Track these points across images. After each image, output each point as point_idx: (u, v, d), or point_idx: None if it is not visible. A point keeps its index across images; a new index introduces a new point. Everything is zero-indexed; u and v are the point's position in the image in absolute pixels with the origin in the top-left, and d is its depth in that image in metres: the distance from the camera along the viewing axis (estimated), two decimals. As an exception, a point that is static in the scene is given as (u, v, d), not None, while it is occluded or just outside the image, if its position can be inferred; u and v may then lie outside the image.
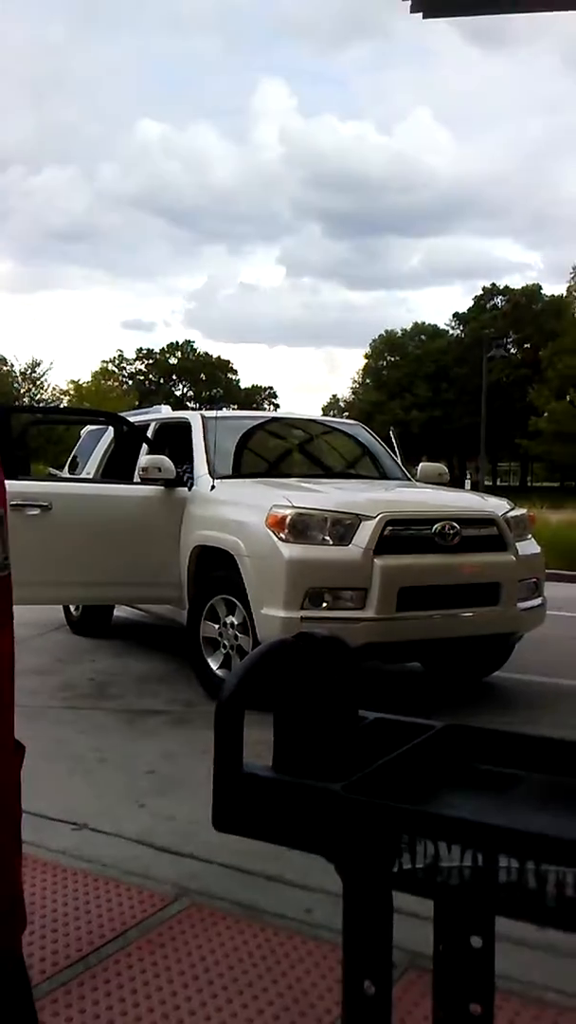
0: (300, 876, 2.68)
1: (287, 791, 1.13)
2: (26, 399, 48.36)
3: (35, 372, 51.72)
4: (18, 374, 52.08)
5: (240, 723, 1.18)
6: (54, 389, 53.39)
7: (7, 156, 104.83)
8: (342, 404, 66.22)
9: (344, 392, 68.73)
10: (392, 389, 57.50)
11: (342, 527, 4.64)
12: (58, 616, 7.46)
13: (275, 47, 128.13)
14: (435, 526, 4.74)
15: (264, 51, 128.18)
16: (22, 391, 50.18)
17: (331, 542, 4.62)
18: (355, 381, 65.54)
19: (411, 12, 6.02)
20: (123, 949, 2.38)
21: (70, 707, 4.94)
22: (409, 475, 6.64)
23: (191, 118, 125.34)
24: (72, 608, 7.30)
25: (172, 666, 5.94)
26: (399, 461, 6.78)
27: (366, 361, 63.87)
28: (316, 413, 49.62)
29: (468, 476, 54.97)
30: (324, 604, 4.53)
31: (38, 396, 50.71)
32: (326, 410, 64.12)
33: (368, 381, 62.49)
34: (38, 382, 51.79)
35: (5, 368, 52.64)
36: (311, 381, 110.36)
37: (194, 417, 6.29)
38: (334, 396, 71.14)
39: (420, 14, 6.10)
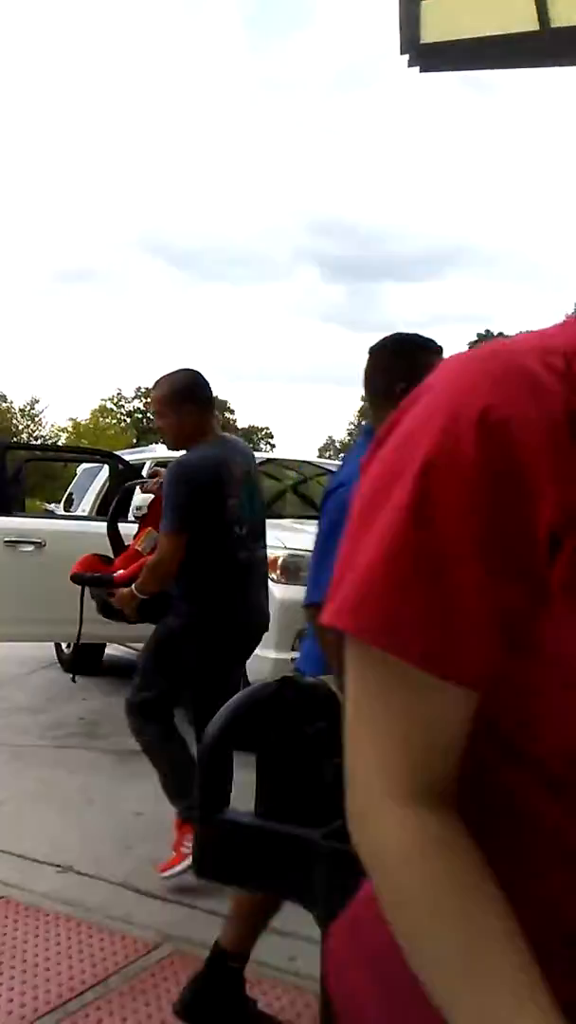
0: (284, 923, 2.64)
1: (267, 838, 1.13)
2: (24, 436, 48.50)
3: (34, 409, 52.00)
4: (17, 411, 52.36)
5: (223, 767, 1.19)
6: (52, 426, 53.67)
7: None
8: (338, 445, 66.49)
9: (340, 433, 69.04)
10: (389, 431, 57.82)
11: (334, 569, 4.65)
12: (49, 654, 7.42)
13: (273, 97, 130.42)
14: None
15: (262, 101, 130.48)
16: (21, 428, 50.37)
17: (323, 584, 4.63)
18: (351, 423, 65.93)
19: (408, 66, 6.17)
20: (103, 996, 2.35)
21: (59, 746, 4.91)
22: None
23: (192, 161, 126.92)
24: (64, 646, 7.26)
25: (162, 706, 5.90)
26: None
27: (362, 403, 64.45)
28: (312, 454, 49.82)
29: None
30: (315, 646, 4.52)
31: (36, 433, 50.90)
32: (322, 451, 64.37)
33: (364, 422, 63.00)
34: (37, 419, 52.07)
35: (4, 405, 52.94)
36: (307, 422, 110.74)
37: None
38: (329, 437, 71.47)
39: (418, 68, 6.25)
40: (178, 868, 3.04)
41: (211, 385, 3.29)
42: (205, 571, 3.18)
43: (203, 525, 3.13)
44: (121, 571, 3.47)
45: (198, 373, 3.30)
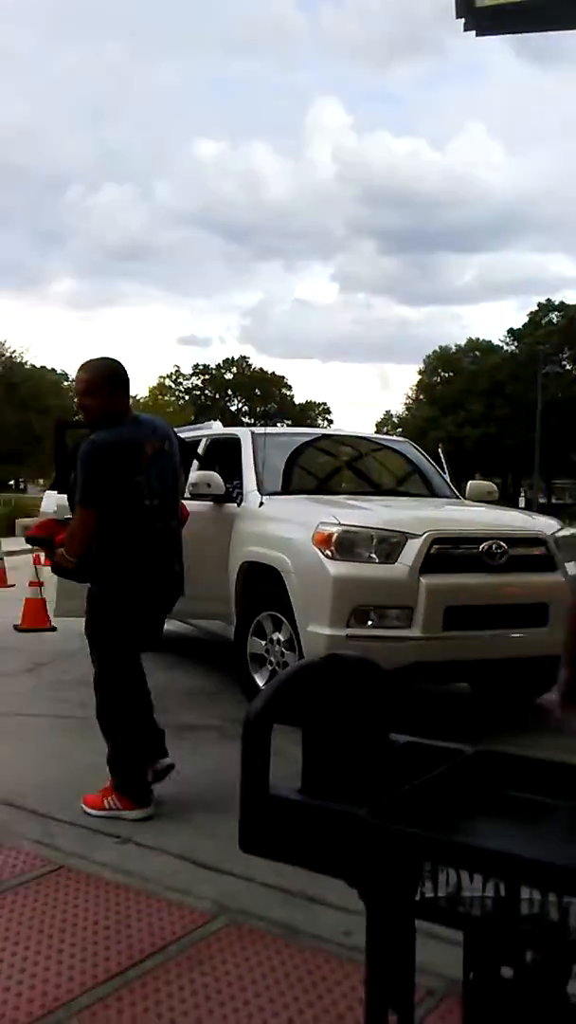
0: (340, 898, 2.65)
1: (312, 814, 1.13)
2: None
3: (93, 387, 52.52)
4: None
5: (267, 743, 1.19)
6: (112, 404, 54.12)
7: (66, 176, 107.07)
8: (395, 420, 65.95)
9: (397, 408, 68.48)
10: (445, 405, 57.06)
11: (388, 545, 4.62)
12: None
13: (328, 66, 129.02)
14: (482, 545, 4.70)
15: (317, 70, 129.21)
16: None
17: (377, 560, 4.61)
18: (408, 397, 65.27)
19: (464, 30, 6.03)
20: (162, 965, 2.39)
21: (118, 720, 4.98)
22: (458, 493, 6.59)
23: (246, 137, 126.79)
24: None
25: (219, 681, 5.97)
26: (447, 479, 6.73)
27: (419, 377, 63.56)
28: (369, 429, 49.48)
29: (523, 494, 54.27)
30: (370, 622, 4.51)
31: (96, 411, 51.44)
32: (379, 426, 63.86)
33: (421, 397, 62.16)
34: (96, 397, 52.58)
35: (65, 384, 53.57)
36: (364, 397, 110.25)
37: (244, 433, 6.33)
38: (387, 412, 70.89)
39: (474, 32, 6.10)
40: (98, 813, 3.49)
41: (129, 374, 3.70)
42: (115, 540, 3.52)
43: (111, 498, 3.47)
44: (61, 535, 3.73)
45: (119, 363, 3.73)
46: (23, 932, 2.56)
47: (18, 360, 44.15)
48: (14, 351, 44.03)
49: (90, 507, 3.48)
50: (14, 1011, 2.17)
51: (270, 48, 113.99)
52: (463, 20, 6.01)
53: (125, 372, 3.68)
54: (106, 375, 3.62)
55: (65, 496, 5.57)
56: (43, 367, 51.77)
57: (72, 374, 54.93)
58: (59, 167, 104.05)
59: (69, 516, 3.78)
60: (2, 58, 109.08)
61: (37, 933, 2.55)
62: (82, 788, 3.81)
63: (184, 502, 5.72)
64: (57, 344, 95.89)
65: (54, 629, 7.58)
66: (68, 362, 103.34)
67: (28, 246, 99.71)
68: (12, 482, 49.24)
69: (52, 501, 6.16)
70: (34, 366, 47.75)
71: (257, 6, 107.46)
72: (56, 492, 5.77)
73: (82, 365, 3.66)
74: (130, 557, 3.55)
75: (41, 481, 44.26)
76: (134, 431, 3.58)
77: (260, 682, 5.15)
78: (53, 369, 54.60)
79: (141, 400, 58.80)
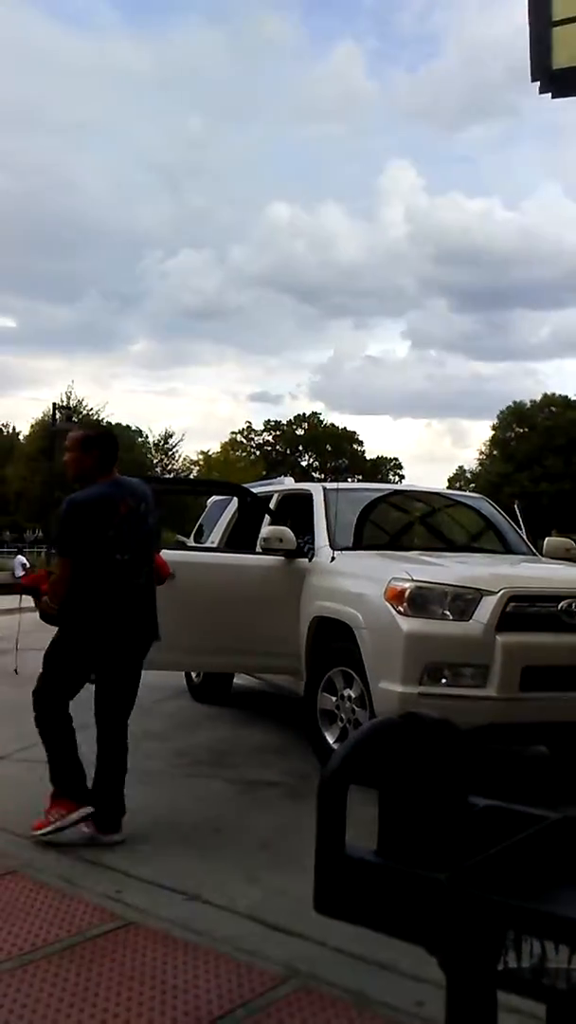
0: (414, 966, 2.57)
1: (390, 877, 1.11)
2: (158, 469, 50.03)
3: (167, 443, 53.57)
4: (151, 445, 54.05)
5: (343, 803, 1.17)
6: (184, 459, 55.11)
7: (146, 241, 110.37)
8: (468, 475, 65.45)
9: (471, 463, 67.94)
10: (520, 461, 56.50)
11: (463, 602, 4.56)
12: (179, 682, 7.56)
13: (401, 130, 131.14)
14: (561, 603, 4.59)
15: (390, 134, 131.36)
16: (155, 461, 51.96)
17: (451, 617, 4.54)
18: (482, 452, 64.75)
19: (540, 92, 6.10)
20: (230, 1029, 2.34)
21: (187, 774, 4.97)
22: (535, 550, 6.48)
23: (319, 200, 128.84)
24: (193, 675, 7.39)
25: (288, 737, 5.91)
26: (524, 535, 6.63)
27: (493, 432, 63.18)
28: (442, 484, 49.20)
29: (601, 551, 52.93)
30: (443, 680, 4.43)
31: (169, 466, 52.38)
32: (452, 481, 63.45)
33: (495, 452, 61.68)
34: (170, 453, 53.58)
35: (140, 440, 54.75)
36: (436, 452, 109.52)
37: (316, 489, 6.36)
38: (460, 467, 70.45)
39: (549, 94, 6.18)
40: (47, 830, 3.72)
41: (117, 444, 4.11)
42: (85, 588, 3.81)
43: (85, 551, 3.78)
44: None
45: (101, 431, 4.36)
46: (91, 988, 2.54)
47: (95, 417, 45.34)
48: (91, 408, 45.27)
49: (67, 558, 3.83)
50: (81, 1070, 2.15)
51: (343, 114, 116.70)
52: (538, 83, 6.10)
53: (103, 439, 4.03)
54: (80, 439, 4.01)
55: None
56: (118, 424, 53.11)
57: (146, 430, 56.31)
58: (139, 232, 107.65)
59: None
60: (88, 128, 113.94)
61: (105, 990, 2.53)
62: (153, 840, 3.80)
63: (243, 557, 5.77)
64: (132, 402, 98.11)
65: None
66: (143, 419, 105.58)
67: (107, 308, 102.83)
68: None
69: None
70: (110, 423, 49.03)
71: (329, 75, 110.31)
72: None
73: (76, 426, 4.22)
74: (96, 605, 3.83)
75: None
76: (109, 490, 3.87)
77: (330, 739, 5.08)
78: (128, 426, 55.90)
79: (213, 455, 59.65)
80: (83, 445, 3.96)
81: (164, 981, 2.59)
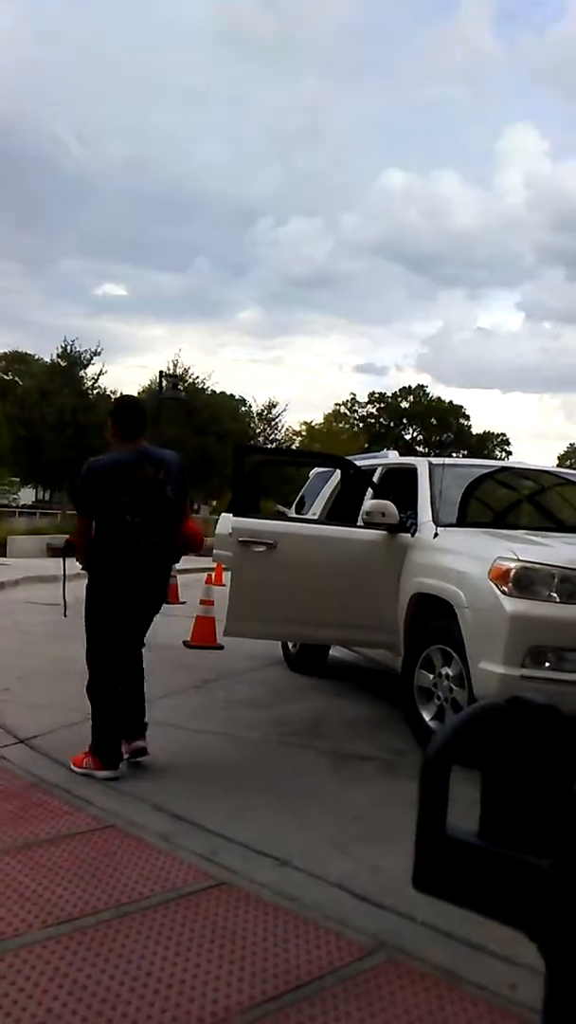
0: (506, 947, 2.55)
1: (491, 861, 1.09)
2: (261, 439, 50.39)
3: (271, 413, 53.81)
4: (255, 415, 54.42)
5: (446, 783, 1.16)
6: (287, 429, 55.24)
7: (258, 208, 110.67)
8: (579, 453, 63.62)
9: (582, 441, 65.95)
10: None
11: (571, 584, 4.44)
12: (276, 652, 7.65)
13: (524, 93, 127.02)
14: None
15: (513, 97, 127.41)
16: (258, 431, 52.33)
17: (558, 599, 4.44)
18: (593, 430, 62.82)
19: None
20: (319, 994, 2.38)
21: (283, 743, 5.04)
22: None
23: (436, 166, 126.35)
24: (290, 645, 7.46)
25: (384, 712, 5.92)
26: None
27: (606, 410, 61.13)
28: (552, 462, 47.94)
29: None
30: (547, 664, 4.34)
31: (272, 436, 52.67)
32: (563, 459, 61.78)
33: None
34: (273, 422, 53.82)
35: (243, 409, 55.17)
36: (547, 428, 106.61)
37: (421, 463, 6.29)
38: (572, 445, 68.48)
39: None
40: (79, 770, 4.18)
41: (144, 412, 4.48)
42: (100, 545, 4.21)
43: (98, 511, 4.19)
44: None
45: (129, 401, 4.97)
46: (183, 943, 2.61)
47: (201, 386, 45.87)
48: (197, 377, 45.80)
49: (83, 516, 4.31)
50: (172, 1022, 2.21)
51: (466, 76, 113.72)
52: None
53: (119, 410, 4.44)
54: (112, 409, 4.53)
55: (244, 519, 5.73)
56: (223, 393, 53.61)
57: (250, 399, 56.68)
58: (251, 199, 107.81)
59: None
60: (206, 94, 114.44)
61: (197, 947, 2.59)
62: (248, 805, 3.87)
63: (345, 530, 5.77)
64: (237, 370, 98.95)
65: (221, 647, 7.77)
66: (247, 388, 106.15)
67: (216, 276, 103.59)
68: (189, 503, 51.02)
69: (228, 523, 6.32)
70: (215, 392, 49.48)
71: (452, 35, 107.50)
72: (232, 515, 5.93)
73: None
74: (109, 561, 4.21)
75: (214, 503, 45.61)
76: (128, 457, 4.22)
77: (426, 716, 5.06)
78: (232, 395, 56.41)
79: (316, 426, 59.64)
80: (110, 415, 4.46)
81: (255, 942, 2.64)
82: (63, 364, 40.82)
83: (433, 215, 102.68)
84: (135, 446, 4.27)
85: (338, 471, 7.03)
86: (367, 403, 79.16)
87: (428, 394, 79.64)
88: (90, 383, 40.66)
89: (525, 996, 2.33)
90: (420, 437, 77.59)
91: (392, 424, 78.41)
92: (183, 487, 4.40)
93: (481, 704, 1.24)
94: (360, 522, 6.00)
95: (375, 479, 6.54)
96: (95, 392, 40.45)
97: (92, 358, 40.40)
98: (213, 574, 11.12)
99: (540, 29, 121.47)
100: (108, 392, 39.74)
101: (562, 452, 67.92)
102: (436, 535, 5.42)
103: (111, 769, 4.17)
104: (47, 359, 44.01)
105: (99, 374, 40.44)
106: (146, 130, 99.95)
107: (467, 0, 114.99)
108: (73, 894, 2.88)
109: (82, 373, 40.90)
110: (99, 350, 38.62)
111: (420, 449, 71.46)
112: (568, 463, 55.10)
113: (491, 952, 2.60)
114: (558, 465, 36.90)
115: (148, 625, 4.47)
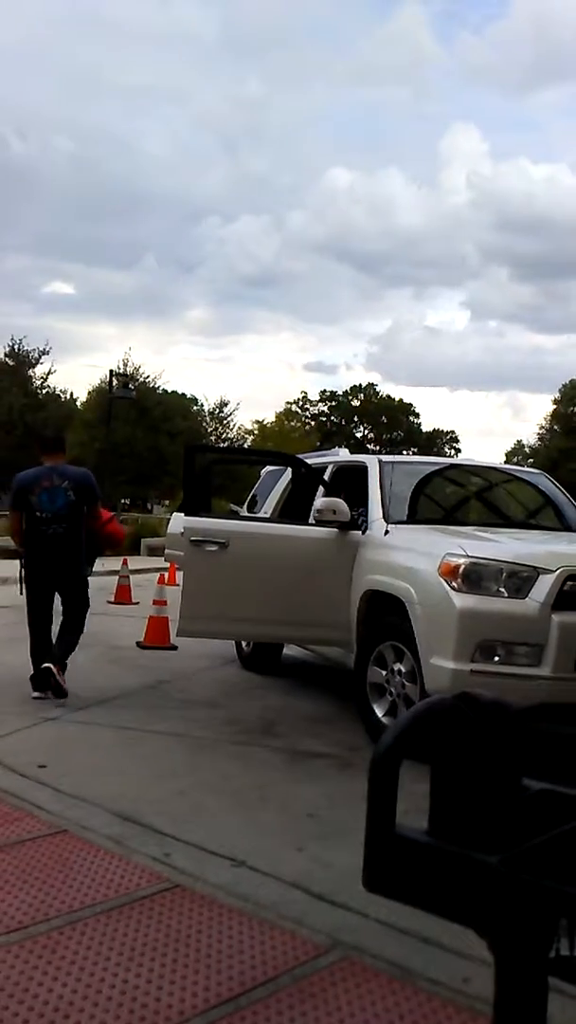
0: (458, 942, 2.57)
1: (440, 858, 1.09)
2: (213, 438, 50.19)
3: (222, 412, 53.65)
4: (207, 414, 54.21)
5: (395, 781, 1.16)
6: (239, 428, 55.13)
7: (204, 207, 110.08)
8: (527, 450, 64.39)
9: (530, 438, 66.73)
10: (581, 436, 55.27)
11: (519, 579, 4.49)
12: (229, 651, 7.62)
13: (466, 93, 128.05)
14: (620, 583, 4.50)
15: (454, 98, 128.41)
16: (210, 430, 52.13)
17: (506, 594, 4.49)
18: (542, 427, 63.57)
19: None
20: (273, 995, 2.37)
21: (236, 742, 5.02)
22: (593, 528, 6.36)
23: (380, 165, 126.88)
24: (243, 644, 7.44)
25: (337, 709, 5.93)
26: (584, 513, 6.51)
27: (555, 406, 61.94)
28: (499, 459, 48.48)
29: None
30: (496, 658, 4.39)
31: (224, 435, 52.50)
32: (510, 456, 62.43)
33: (556, 427, 60.50)
34: (225, 421, 53.67)
35: (195, 408, 54.93)
36: (494, 426, 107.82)
37: (371, 461, 6.31)
38: (519, 442, 69.26)
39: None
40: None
41: (59, 439, 6.44)
42: (25, 534, 5.91)
43: (21, 508, 5.87)
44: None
45: (53, 433, 7.40)
46: (138, 948, 2.58)
47: (152, 385, 45.55)
48: (148, 376, 45.46)
49: (14, 511, 5.94)
50: (127, 1027, 2.19)
51: (406, 77, 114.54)
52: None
53: (45, 438, 6.35)
54: (36, 437, 6.65)
55: (196, 518, 5.70)
56: (174, 392, 53.28)
57: (201, 398, 56.47)
58: (197, 197, 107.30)
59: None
60: (150, 93, 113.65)
61: (151, 951, 2.57)
62: (201, 806, 3.85)
63: (296, 528, 5.87)
64: (188, 369, 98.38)
65: (175, 648, 7.72)
66: (198, 387, 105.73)
67: (164, 275, 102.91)
68: (140, 502, 50.79)
69: (179, 522, 6.29)
70: (166, 391, 49.16)
71: (393, 36, 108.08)
72: (184, 514, 5.90)
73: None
74: (29, 544, 5.90)
75: (167, 502, 45.36)
76: (39, 472, 5.92)
77: (379, 712, 5.08)
78: (183, 394, 56.11)
79: (268, 425, 59.58)
80: (35, 440, 6.56)
81: (209, 945, 2.62)
82: (11, 363, 40.26)
83: (378, 214, 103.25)
84: (51, 462, 5.98)
85: (289, 469, 7.03)
86: (318, 401, 79.36)
87: (378, 392, 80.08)
88: (39, 383, 40.18)
89: (477, 989, 2.35)
90: (371, 435, 77.98)
91: (343, 422, 78.68)
92: (89, 492, 5.97)
93: (430, 700, 1.24)
94: (311, 520, 6.00)
95: (326, 477, 6.54)
96: (44, 392, 39.98)
97: (41, 357, 39.95)
98: (166, 574, 11.05)
99: (479, 29, 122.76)
100: (58, 391, 39.31)
101: (509, 449, 68.70)
102: (387, 532, 5.44)
103: (38, 691, 5.64)
104: (-6, 358, 43.35)
105: (48, 373, 40.05)
106: (88, 128, 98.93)
107: (406, 2, 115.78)
108: (24, 902, 2.83)
109: (31, 372, 40.39)
110: (48, 349, 38.25)
111: (371, 447, 71.83)
112: (515, 460, 55.74)
113: (444, 946, 2.61)
114: (505, 462, 37.37)
115: (68, 589, 5.98)
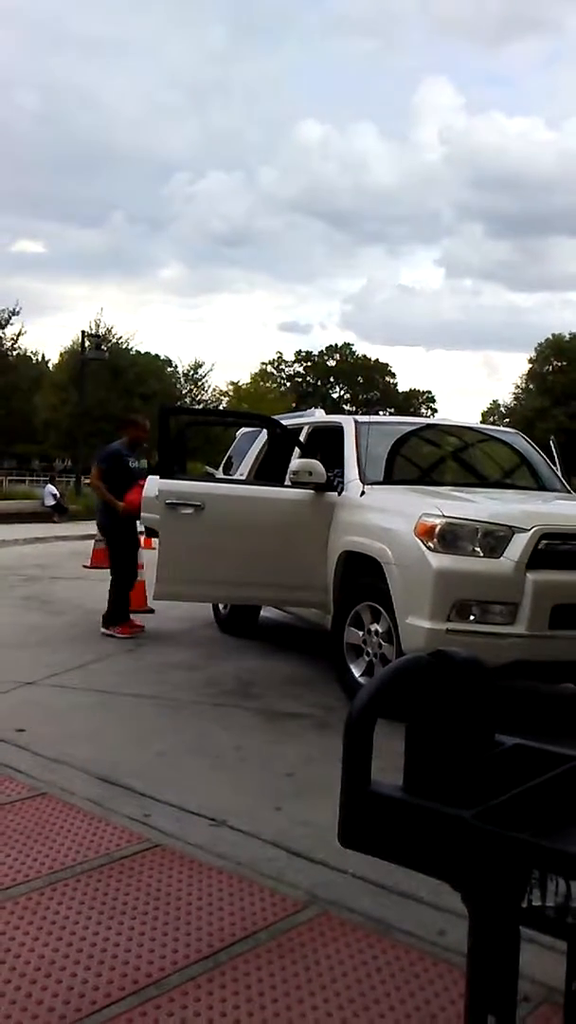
0: (434, 895, 2.62)
1: (414, 814, 1.10)
2: (188, 399, 49.84)
3: (197, 373, 53.23)
4: (181, 375, 53.77)
5: (370, 739, 1.16)
6: (214, 390, 54.78)
7: (172, 163, 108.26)
8: (503, 409, 64.53)
9: (505, 397, 66.83)
10: (558, 395, 55.44)
11: (494, 539, 4.52)
12: (207, 614, 7.64)
13: (439, 47, 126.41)
14: (593, 542, 4.54)
15: (428, 51, 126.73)
16: (184, 392, 51.75)
17: (482, 554, 4.51)
18: (517, 386, 63.63)
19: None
20: (252, 950, 2.40)
21: (214, 703, 5.04)
22: (569, 487, 6.39)
23: (352, 120, 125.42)
24: (220, 606, 7.45)
25: (315, 670, 5.97)
26: (559, 472, 6.54)
27: (530, 366, 62.01)
28: (475, 418, 48.56)
29: None
30: (472, 617, 4.42)
31: (199, 397, 52.15)
32: (486, 416, 62.51)
33: (531, 386, 60.60)
34: (200, 383, 53.27)
35: (169, 369, 54.46)
36: (470, 385, 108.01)
37: (347, 421, 6.29)
38: (494, 401, 69.33)
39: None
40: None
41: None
42: None
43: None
44: None
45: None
46: (118, 908, 2.60)
47: (124, 347, 45.05)
48: (120, 337, 44.93)
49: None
50: (108, 985, 2.21)
51: (377, 28, 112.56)
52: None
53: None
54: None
55: (171, 481, 5.67)
56: (147, 353, 52.73)
57: (175, 359, 55.92)
58: (165, 153, 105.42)
59: None
60: (113, 44, 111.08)
61: (131, 910, 2.59)
62: (180, 767, 3.87)
63: (272, 490, 5.90)
64: (162, 330, 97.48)
65: (152, 611, 7.73)
66: (172, 347, 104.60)
67: (134, 232, 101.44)
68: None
69: (155, 485, 6.25)
70: (139, 352, 48.64)
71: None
72: (159, 476, 5.86)
73: None
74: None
75: (144, 462, 45.10)
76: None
77: (356, 672, 5.12)
78: (157, 355, 55.56)
79: (243, 386, 59.27)
80: None
81: (189, 903, 2.65)
82: (-20, 325, 39.60)
83: (352, 170, 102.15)
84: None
85: (265, 431, 7.00)
86: (294, 362, 78.99)
87: (354, 352, 79.80)
88: (9, 344, 39.58)
89: (452, 941, 2.39)
90: (347, 396, 77.80)
91: (319, 383, 78.42)
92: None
93: (404, 659, 1.25)
94: (287, 482, 5.99)
95: (302, 438, 6.52)
96: (15, 353, 39.41)
97: (11, 318, 39.32)
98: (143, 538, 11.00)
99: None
100: (29, 353, 38.77)
101: (485, 408, 68.80)
102: (363, 493, 5.44)
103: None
104: (-38, 320, 42.63)
105: (18, 335, 39.36)
106: (50, 81, 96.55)
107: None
108: (4, 864, 2.85)
109: (0, 334, 39.79)
110: (18, 310, 37.43)
111: (347, 408, 71.69)
112: (491, 419, 55.85)
113: (420, 900, 2.66)
114: (481, 421, 37.43)
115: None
